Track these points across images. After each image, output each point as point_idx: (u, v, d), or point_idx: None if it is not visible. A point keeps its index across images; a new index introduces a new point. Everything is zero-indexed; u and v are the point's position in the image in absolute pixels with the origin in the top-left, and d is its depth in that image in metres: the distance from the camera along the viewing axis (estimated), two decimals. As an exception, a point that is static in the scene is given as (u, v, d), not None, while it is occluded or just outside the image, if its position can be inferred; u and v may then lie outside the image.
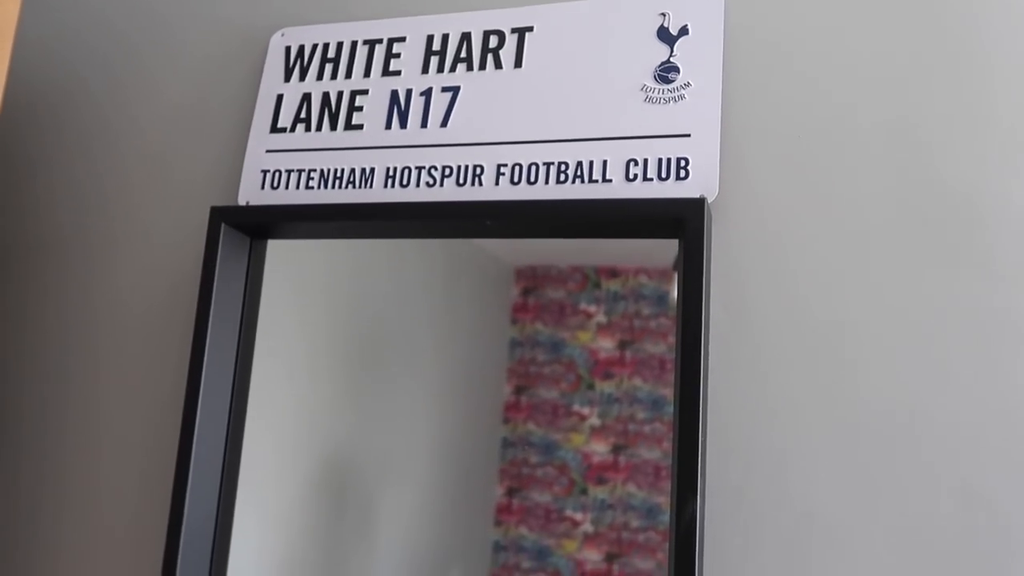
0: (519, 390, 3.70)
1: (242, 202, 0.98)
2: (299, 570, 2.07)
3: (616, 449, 3.51)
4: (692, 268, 0.75)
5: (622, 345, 3.21)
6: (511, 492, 3.68)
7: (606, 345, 3.07)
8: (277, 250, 1.18)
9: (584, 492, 3.60)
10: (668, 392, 3.11)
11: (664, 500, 3.28)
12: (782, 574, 0.69)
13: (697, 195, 0.81)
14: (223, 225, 0.90)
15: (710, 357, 0.75)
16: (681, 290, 0.79)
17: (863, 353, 0.72)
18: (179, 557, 0.83)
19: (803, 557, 0.69)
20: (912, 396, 0.69)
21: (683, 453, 0.68)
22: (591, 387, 3.58)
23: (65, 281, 1.04)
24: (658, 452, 3.49)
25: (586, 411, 3.59)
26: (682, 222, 0.77)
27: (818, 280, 0.74)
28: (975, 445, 0.67)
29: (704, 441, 0.69)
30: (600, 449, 3.58)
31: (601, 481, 3.59)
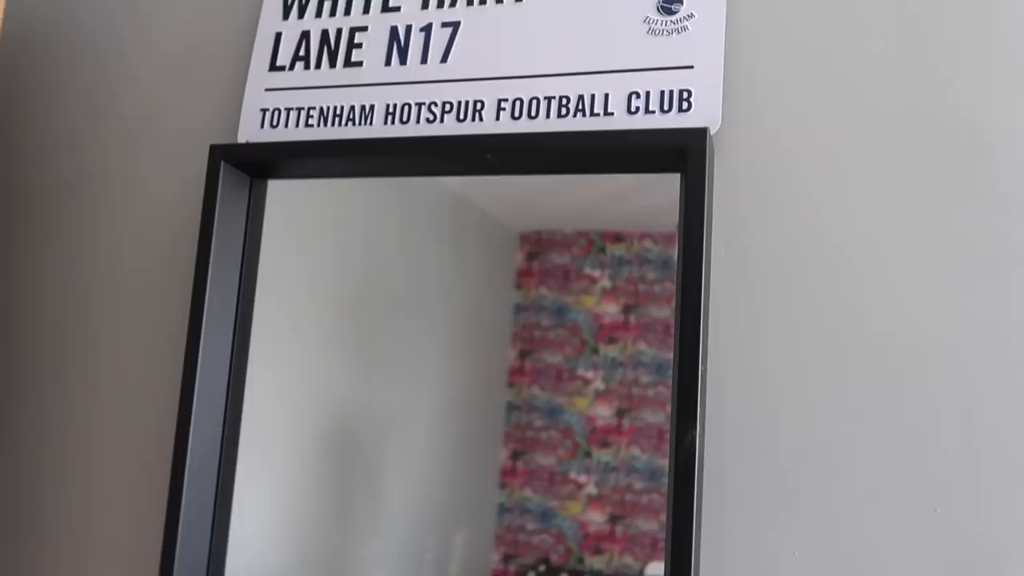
0: (523, 354, 3.70)
1: (241, 141, 0.97)
2: (306, 526, 2.09)
3: (620, 413, 3.52)
4: (693, 201, 0.74)
5: (627, 310, 3.20)
6: (515, 455, 3.70)
7: (611, 310, 3.07)
8: (279, 204, 1.18)
9: (588, 455, 3.61)
10: (671, 356, 3.06)
11: (667, 462, 3.25)
12: (782, 508, 0.69)
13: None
14: (223, 163, 0.90)
15: (711, 293, 0.75)
16: (682, 225, 0.78)
17: (866, 286, 0.71)
18: (182, 505, 0.83)
19: (803, 491, 0.69)
20: (915, 327, 0.68)
21: (683, 382, 0.68)
22: (595, 351, 3.57)
23: (67, 225, 1.04)
24: (662, 416, 3.48)
25: (590, 375, 3.59)
26: (684, 152, 0.76)
27: (821, 213, 0.74)
28: (977, 374, 0.66)
29: (704, 372, 0.69)
30: (604, 413, 3.58)
31: (605, 444, 3.60)
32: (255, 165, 0.92)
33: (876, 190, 0.72)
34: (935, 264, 0.69)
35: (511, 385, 3.49)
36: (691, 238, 0.72)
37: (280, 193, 1.10)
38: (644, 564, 3.18)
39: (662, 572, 3.14)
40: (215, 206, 0.87)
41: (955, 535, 0.63)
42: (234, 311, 0.90)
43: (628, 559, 3.26)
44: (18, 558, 0.99)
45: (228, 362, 0.85)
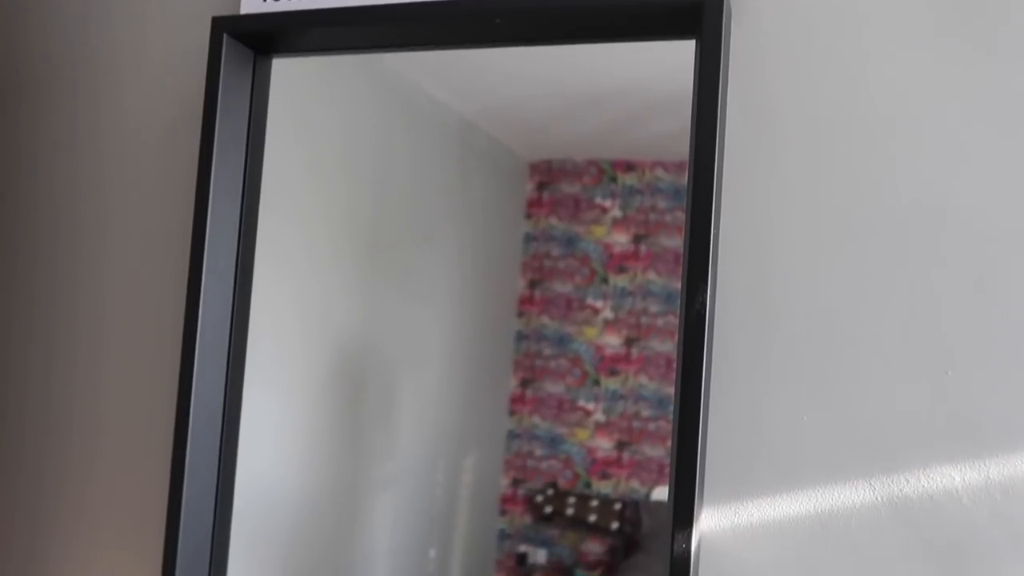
0: (533, 284, 3.74)
1: (245, 12, 0.95)
2: (318, 448, 2.15)
3: (628, 342, 3.57)
4: (708, 68, 0.72)
5: (637, 239, 3.21)
6: (525, 383, 3.77)
7: (621, 239, 3.08)
8: (286, 122, 1.17)
9: (596, 383, 3.68)
10: (681, 286, 3.01)
11: (674, 391, 3.27)
12: (792, 374, 0.68)
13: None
14: (225, 37, 0.88)
15: (725, 160, 0.73)
16: (696, 93, 0.76)
17: (884, 149, 0.70)
18: (189, 430, 0.84)
19: (813, 357, 0.68)
20: (936, 189, 0.67)
21: (694, 241, 0.66)
22: (605, 281, 3.60)
23: (74, 107, 1.03)
24: (670, 345, 3.52)
25: (599, 305, 3.63)
26: (699, 13, 0.73)
27: (840, 75, 0.72)
28: (995, 237, 0.65)
29: (716, 233, 0.67)
30: (613, 342, 3.63)
31: (613, 373, 3.66)
32: (258, 38, 0.90)
33: (899, 52, 0.70)
34: (958, 125, 0.68)
35: (521, 314, 3.54)
36: (704, 106, 0.70)
37: (286, 109, 1.09)
38: (650, 489, 3.27)
39: (667, 496, 3.17)
40: (219, 84, 0.86)
41: (967, 399, 0.63)
42: (239, 201, 0.89)
43: (635, 484, 3.36)
44: (23, 487, 1.01)
45: (235, 260, 0.85)
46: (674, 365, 3.78)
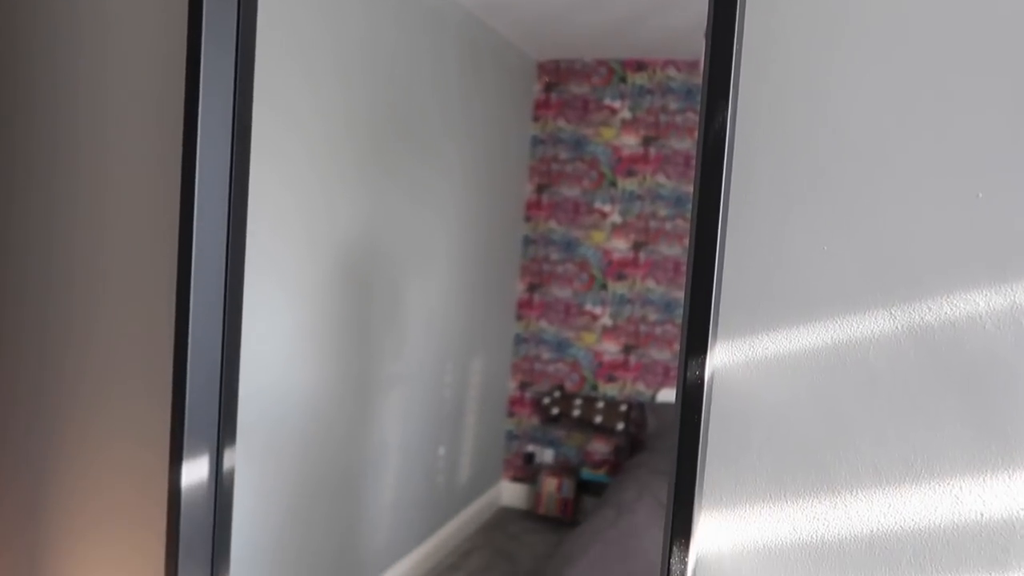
0: (540, 188, 3.66)
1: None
2: (327, 345, 2.18)
3: (636, 246, 3.52)
4: None
5: (646, 142, 3.12)
6: (532, 288, 3.74)
7: (630, 142, 3.01)
8: (277, 17, 1.12)
9: (604, 288, 3.65)
10: (689, 189, 3.06)
11: (681, 295, 3.32)
12: (814, 198, 0.64)
13: None
14: None
15: None
16: None
17: None
18: (190, 311, 0.81)
19: (838, 180, 0.64)
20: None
21: (715, 59, 0.60)
22: (614, 185, 3.52)
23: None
24: (678, 248, 3.49)
25: (608, 209, 3.56)
26: None
27: None
28: None
29: (739, 48, 0.61)
30: (620, 246, 3.58)
31: (621, 277, 3.63)
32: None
33: None
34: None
35: (528, 219, 3.51)
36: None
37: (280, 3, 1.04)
38: (656, 391, 3.30)
39: (673, 398, 3.23)
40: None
41: (998, 221, 0.59)
42: (231, 95, 0.84)
43: (640, 386, 3.39)
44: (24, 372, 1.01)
45: (229, 154, 0.82)
46: (682, 269, 3.78)
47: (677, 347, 3.68)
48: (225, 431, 0.75)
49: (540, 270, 3.54)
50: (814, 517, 0.62)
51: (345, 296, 2.32)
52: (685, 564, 0.58)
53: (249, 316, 1.79)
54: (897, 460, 0.60)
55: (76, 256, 0.95)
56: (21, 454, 0.94)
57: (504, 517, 3.62)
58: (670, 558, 0.62)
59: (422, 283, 2.73)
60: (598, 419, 3.36)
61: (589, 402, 3.42)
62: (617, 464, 3.41)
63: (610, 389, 3.43)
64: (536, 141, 3.56)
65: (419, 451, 2.86)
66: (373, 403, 2.53)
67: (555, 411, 3.45)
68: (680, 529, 0.60)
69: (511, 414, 3.62)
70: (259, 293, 1.91)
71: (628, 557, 2.21)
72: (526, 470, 3.61)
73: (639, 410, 3.34)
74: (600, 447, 3.46)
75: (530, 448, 3.58)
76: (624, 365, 3.38)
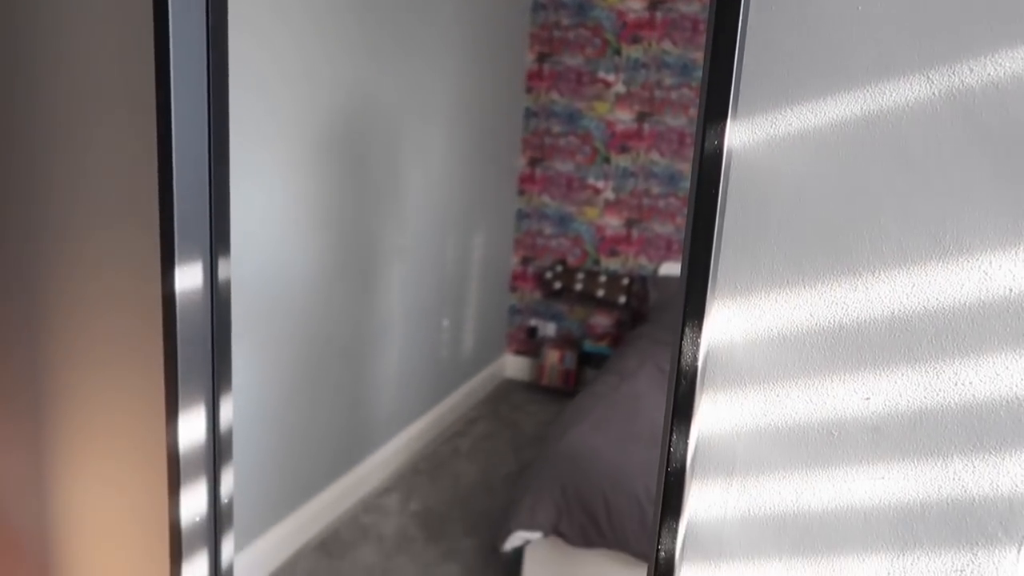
0: (542, 58, 3.50)
1: None
2: (325, 214, 2.14)
3: (641, 117, 3.39)
4: None
5: (652, 5, 2.94)
6: (534, 162, 3.64)
7: (635, 6, 2.83)
8: None
9: (607, 161, 3.55)
10: (697, 56, 2.92)
11: (686, 167, 3.23)
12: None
13: None
14: None
15: None
16: None
17: None
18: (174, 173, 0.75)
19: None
20: None
21: None
22: (618, 52, 3.36)
23: None
24: (684, 119, 3.36)
25: (611, 78, 3.40)
26: None
27: None
28: None
29: None
30: (624, 117, 3.45)
31: (624, 150, 3.52)
32: None
33: None
34: None
35: (529, 90, 3.38)
36: None
37: None
38: (658, 264, 3.26)
39: (674, 272, 3.23)
40: None
41: None
42: None
43: (643, 260, 3.35)
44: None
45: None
46: (687, 141, 3.67)
47: (680, 221, 3.65)
48: (218, 239, 0.72)
49: (542, 143, 3.46)
50: (832, 302, 0.60)
51: (342, 164, 2.26)
52: (697, 347, 0.56)
53: (244, 186, 1.76)
54: (924, 237, 0.57)
55: (60, 92, 0.90)
56: (13, 278, 0.92)
57: (508, 388, 3.70)
58: (682, 344, 0.60)
59: (420, 154, 2.67)
60: (600, 293, 3.37)
61: (591, 276, 3.42)
62: (619, 337, 3.45)
63: (612, 263, 3.42)
64: (537, 6, 3.40)
65: (423, 323, 2.88)
66: (375, 274, 2.52)
67: (557, 285, 3.45)
68: (693, 313, 0.59)
69: (514, 289, 3.62)
70: (251, 163, 1.86)
71: (630, 418, 2.25)
72: (529, 344, 3.66)
73: (641, 284, 3.34)
74: (602, 320, 3.49)
75: (533, 322, 3.61)
76: (626, 239, 3.36)
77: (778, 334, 0.60)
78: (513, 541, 2.06)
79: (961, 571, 0.59)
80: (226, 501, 0.77)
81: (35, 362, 0.87)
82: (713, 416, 0.63)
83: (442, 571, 2.25)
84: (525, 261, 3.52)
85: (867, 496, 0.61)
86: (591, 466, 2.06)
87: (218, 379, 0.75)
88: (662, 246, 3.27)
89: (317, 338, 2.24)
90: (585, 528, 2.02)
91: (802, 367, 0.60)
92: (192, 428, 0.75)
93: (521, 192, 3.44)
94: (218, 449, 0.75)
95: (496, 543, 2.07)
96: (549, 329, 3.53)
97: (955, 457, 0.58)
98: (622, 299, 3.32)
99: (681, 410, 0.57)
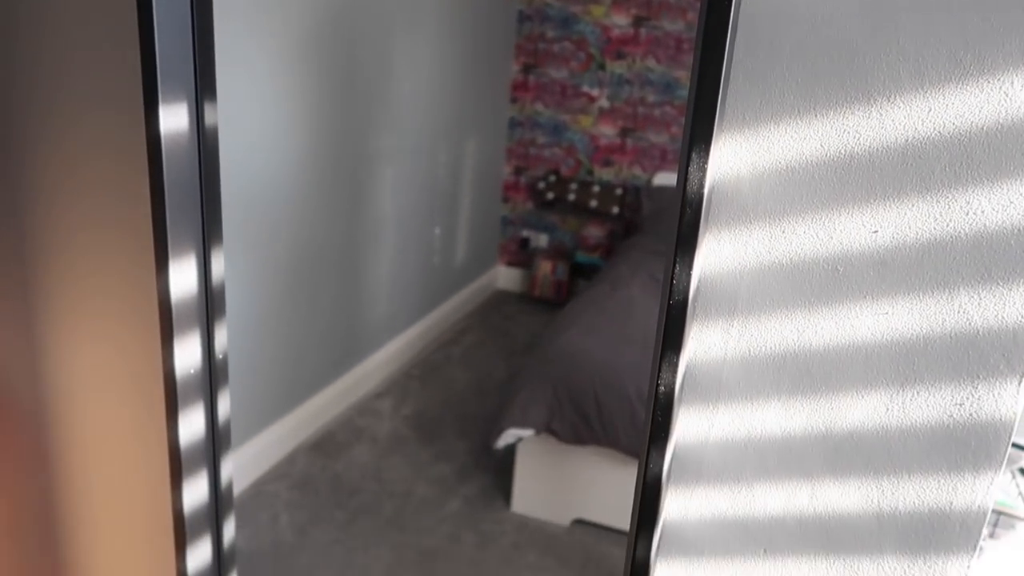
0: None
1: None
2: (315, 115, 2.08)
3: (637, 22, 3.29)
4: None
5: None
6: (527, 68, 3.54)
7: None
8: None
9: (602, 67, 3.46)
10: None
11: (683, 74, 3.13)
12: None
13: None
14: None
15: None
16: None
17: None
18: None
19: None
20: None
21: None
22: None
23: None
24: (681, 24, 3.26)
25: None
26: None
27: None
28: None
29: None
30: (620, 22, 3.35)
31: (620, 56, 3.42)
32: None
33: None
34: None
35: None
36: None
37: None
38: (652, 174, 3.21)
39: (669, 181, 3.18)
40: None
41: None
42: None
43: (637, 170, 3.30)
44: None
45: None
46: (684, 47, 3.57)
47: (676, 130, 3.60)
48: (203, 84, 0.68)
49: (535, 49, 3.36)
50: (844, 131, 0.58)
51: (332, 61, 2.19)
52: (704, 173, 0.55)
53: (228, 78, 1.69)
54: (944, 56, 0.55)
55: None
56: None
57: (500, 299, 3.71)
58: (688, 173, 0.58)
59: (411, 56, 2.58)
60: (593, 204, 3.34)
61: (584, 187, 3.38)
62: (611, 248, 3.44)
63: (606, 174, 3.38)
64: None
65: (414, 230, 2.86)
66: (366, 176, 2.48)
67: (550, 196, 3.42)
68: (699, 142, 0.56)
69: (506, 199, 3.59)
70: (236, 55, 1.80)
71: (622, 322, 2.26)
72: (521, 255, 3.64)
73: (635, 194, 3.31)
74: (595, 232, 3.47)
75: (525, 233, 3.59)
76: (621, 149, 3.30)
77: (786, 167, 0.58)
78: (505, 439, 2.09)
79: (960, 404, 0.60)
80: (220, 356, 0.77)
81: (20, 222, 0.84)
82: (716, 254, 0.62)
83: (435, 471, 2.30)
84: (517, 171, 3.47)
85: (869, 332, 0.61)
86: (583, 366, 2.08)
87: (208, 230, 0.73)
88: (657, 156, 3.23)
89: (308, 239, 2.21)
90: (576, 426, 2.05)
91: (810, 201, 0.59)
92: (183, 279, 0.74)
93: (514, 100, 3.36)
94: (211, 302, 0.74)
95: (488, 442, 2.10)
96: (541, 240, 3.51)
97: (961, 289, 0.58)
98: (615, 210, 3.29)
99: (685, 242, 0.55)
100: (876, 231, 0.58)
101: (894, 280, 0.58)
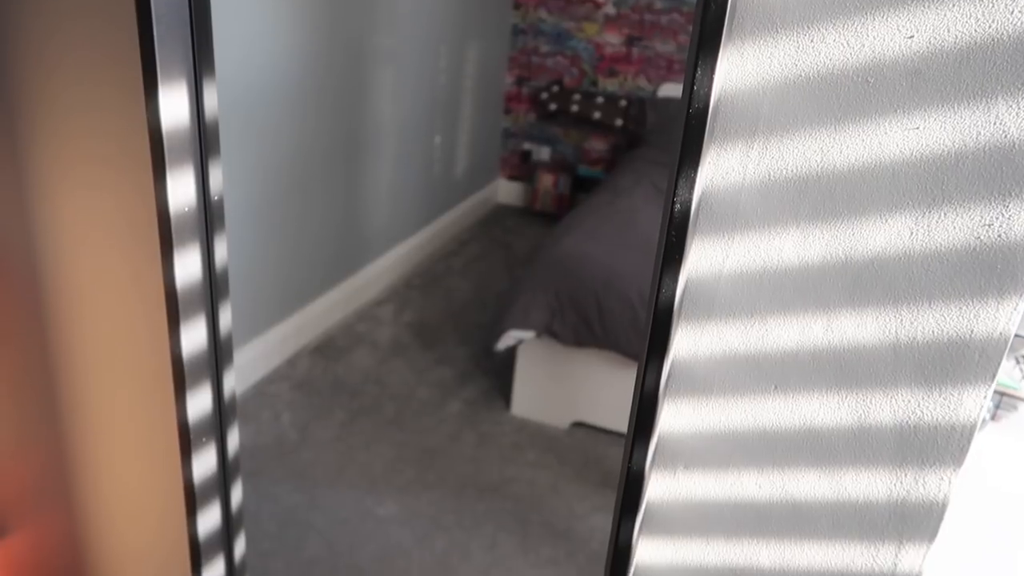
0: None
1: None
2: (312, 11, 2.00)
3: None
4: None
5: None
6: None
7: None
8: None
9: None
10: None
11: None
12: None
13: None
14: None
15: None
16: None
17: None
18: None
19: None
20: None
21: None
22: None
23: None
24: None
25: None
26: None
27: None
28: None
29: None
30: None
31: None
32: None
33: None
34: None
35: None
36: None
37: None
38: (658, 85, 3.12)
39: (675, 93, 3.09)
40: None
41: None
42: None
43: (642, 81, 3.21)
44: None
45: None
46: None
47: (684, 39, 3.49)
48: None
49: (538, -48, 3.23)
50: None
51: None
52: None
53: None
54: None
55: None
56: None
57: (501, 213, 3.67)
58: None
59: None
60: (597, 115, 3.26)
61: (588, 98, 3.30)
62: (614, 162, 3.38)
63: (610, 84, 3.29)
64: None
65: (415, 136, 2.79)
66: (365, 77, 2.40)
67: (553, 107, 3.34)
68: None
69: (508, 111, 3.50)
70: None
71: (624, 229, 2.24)
72: (522, 168, 3.58)
73: (639, 106, 3.23)
74: (597, 145, 3.40)
75: (527, 146, 3.52)
76: (626, 58, 3.21)
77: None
78: (506, 340, 2.09)
79: (989, 224, 0.57)
80: (216, 198, 0.74)
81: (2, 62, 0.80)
82: (739, 68, 0.58)
83: (435, 375, 2.31)
84: (520, 81, 3.38)
85: (898, 150, 0.58)
86: (584, 269, 2.06)
87: (200, 58, 0.69)
88: (663, 66, 3.14)
89: (307, 141, 2.16)
90: (577, 328, 2.04)
91: (841, 4, 0.55)
92: (175, 112, 0.70)
93: (517, 6, 3.24)
94: (204, 137, 0.70)
95: (489, 345, 2.10)
96: (543, 153, 3.44)
97: (1000, 99, 0.54)
98: (619, 122, 3.22)
99: (707, 43, 0.52)
100: (912, 36, 0.54)
101: (928, 91, 0.55)
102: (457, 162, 3.11)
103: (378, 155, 2.51)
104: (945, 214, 0.57)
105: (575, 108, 3.23)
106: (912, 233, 0.58)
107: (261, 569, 1.58)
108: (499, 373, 2.27)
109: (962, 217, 0.56)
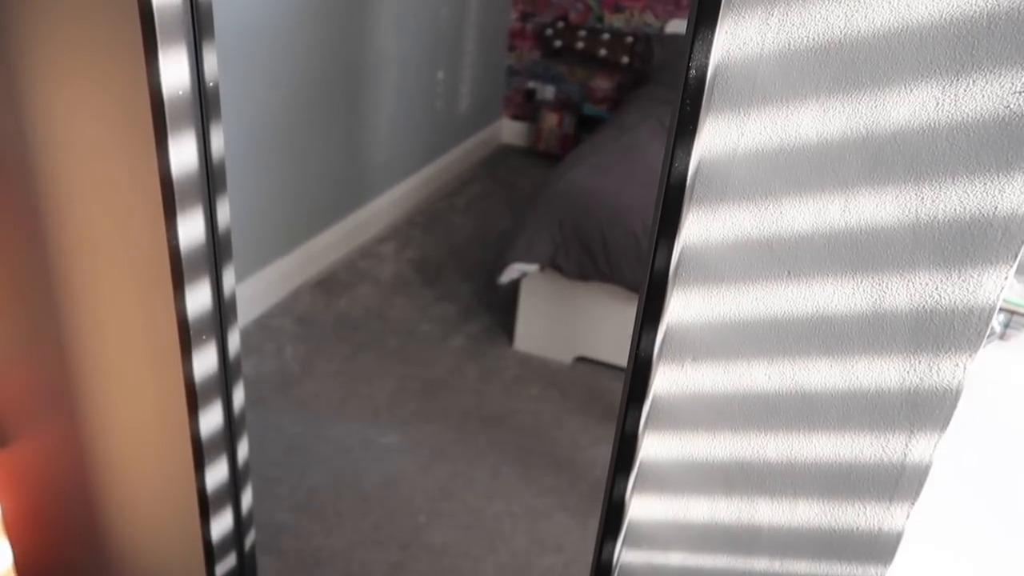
0: None
1: None
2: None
3: None
4: None
5: None
6: None
7: None
8: None
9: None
10: None
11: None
12: None
13: None
14: None
15: None
16: None
17: None
18: None
19: None
20: None
21: None
22: None
23: None
24: None
25: None
26: None
27: None
28: None
29: None
30: None
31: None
32: None
33: None
34: None
35: None
36: None
37: None
38: (665, 22, 3.05)
39: (683, 29, 3.02)
40: None
41: None
42: None
43: (649, 17, 3.13)
44: None
45: None
46: None
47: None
48: None
49: None
50: None
51: None
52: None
53: None
54: None
55: None
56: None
57: (504, 153, 3.62)
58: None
59: None
60: (602, 52, 3.20)
61: (593, 34, 3.22)
62: (619, 100, 3.32)
63: (616, 20, 3.21)
64: None
65: (417, 70, 2.74)
66: (366, 6, 2.34)
67: (557, 44, 3.26)
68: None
69: (512, 48, 3.43)
70: None
71: (629, 164, 2.20)
72: (526, 108, 3.52)
73: (645, 43, 3.16)
74: (603, 83, 3.33)
75: (531, 84, 3.45)
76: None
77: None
78: (510, 273, 2.07)
79: (1020, 92, 0.55)
80: (211, 84, 0.71)
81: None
82: (760, -76, 0.55)
83: (438, 310, 2.30)
84: (524, 17, 3.30)
85: (927, 12, 0.55)
86: (589, 203, 2.03)
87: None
88: (670, 1, 3.06)
89: (306, 73, 2.11)
90: (582, 262, 2.03)
91: None
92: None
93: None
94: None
95: (492, 278, 2.09)
96: (548, 92, 3.38)
97: (1037, -47, 0.52)
98: (625, 60, 3.15)
99: None
100: None
101: (960, -54, 0.52)
102: (460, 99, 3.05)
103: (379, 89, 2.46)
104: (974, 81, 0.54)
105: (580, 45, 3.16)
106: (938, 104, 0.55)
107: (266, 492, 1.59)
108: (502, 309, 2.26)
109: (992, 85, 0.54)
